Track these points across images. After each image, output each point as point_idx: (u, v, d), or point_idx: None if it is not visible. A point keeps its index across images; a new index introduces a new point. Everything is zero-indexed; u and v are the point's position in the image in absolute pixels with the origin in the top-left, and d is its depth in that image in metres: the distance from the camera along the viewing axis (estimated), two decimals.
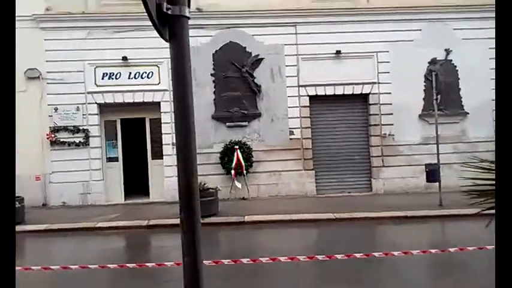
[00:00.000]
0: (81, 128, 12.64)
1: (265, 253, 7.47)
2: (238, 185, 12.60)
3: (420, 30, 13.63)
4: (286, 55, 13.46)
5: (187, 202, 1.89)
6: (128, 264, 6.04)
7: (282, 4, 13.34)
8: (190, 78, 1.83)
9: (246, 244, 8.68)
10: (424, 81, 13.50)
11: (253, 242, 8.91)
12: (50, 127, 12.51)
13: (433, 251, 6.16)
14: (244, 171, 12.59)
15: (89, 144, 12.68)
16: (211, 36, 13.30)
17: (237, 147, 12.59)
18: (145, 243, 9.16)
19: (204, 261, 5.48)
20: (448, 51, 13.61)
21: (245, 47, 13.33)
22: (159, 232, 9.64)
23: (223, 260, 5.69)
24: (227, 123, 13.19)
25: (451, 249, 6.19)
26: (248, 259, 5.66)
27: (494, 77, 1.27)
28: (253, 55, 13.32)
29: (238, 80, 13.25)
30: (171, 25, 1.90)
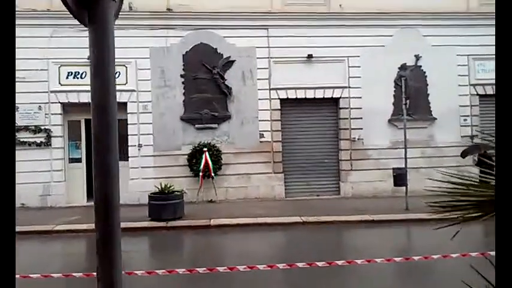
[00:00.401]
0: (43, 127, 12.22)
1: (225, 260, 7.30)
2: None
3: (391, 36, 13.73)
4: (257, 58, 13.35)
5: (104, 230, 1.50)
6: (74, 274, 5.69)
7: (254, 7, 13.24)
8: (113, 71, 1.55)
9: (208, 250, 8.46)
10: (394, 87, 13.58)
11: (217, 248, 8.70)
12: None
13: (397, 259, 5.91)
14: (213, 174, 12.38)
15: (50, 145, 12.25)
16: (181, 36, 13.08)
17: (206, 149, 12.37)
18: None
19: (158, 271, 5.27)
20: (417, 57, 13.74)
21: (216, 49, 13.16)
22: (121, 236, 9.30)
23: (177, 270, 5.36)
24: (196, 125, 12.96)
25: (415, 258, 5.99)
26: (204, 268, 5.35)
27: (495, 78, 1.21)
28: (224, 57, 13.15)
29: (209, 82, 13.06)
30: (90, 6, 1.59)
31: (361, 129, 13.49)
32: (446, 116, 13.57)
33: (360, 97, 13.54)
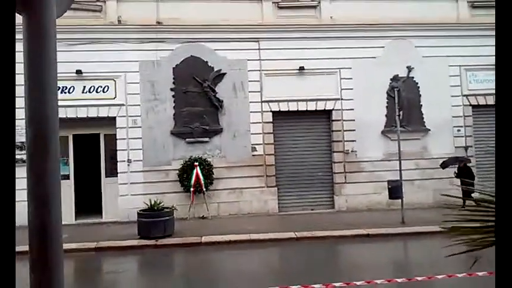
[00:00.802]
0: None
1: (217, 282, 7.01)
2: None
3: (383, 47, 13.67)
4: (249, 70, 13.19)
5: (43, 263, 1.24)
6: None
7: (245, 19, 13.13)
8: (55, 72, 1.29)
9: (198, 270, 8.14)
10: (387, 98, 13.47)
11: (208, 267, 8.38)
12: None
13: (399, 280, 5.58)
14: (204, 189, 12.10)
15: None
16: (171, 50, 12.90)
17: (197, 163, 12.10)
18: (90, 268, 8.46)
19: None
20: (410, 69, 13.67)
21: (207, 62, 12.99)
22: (108, 255, 9.01)
23: None
24: (187, 139, 12.72)
25: (419, 278, 5.70)
26: None
27: (495, 78, 1.14)
28: (215, 70, 12.98)
29: (200, 95, 12.86)
30: None
31: (354, 141, 13.32)
32: (439, 127, 13.46)
33: (353, 109, 13.40)
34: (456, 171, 12.45)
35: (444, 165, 12.56)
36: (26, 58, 1.25)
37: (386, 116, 13.41)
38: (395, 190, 11.08)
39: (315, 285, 4.67)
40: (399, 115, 11.51)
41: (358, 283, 5.15)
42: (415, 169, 13.12)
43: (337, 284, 4.86)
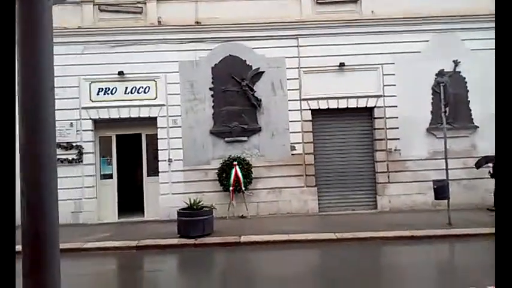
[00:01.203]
0: (74, 144, 12.31)
1: (256, 284, 6.93)
2: (234, 202, 12.08)
3: (427, 41, 13.11)
4: (287, 68, 13.02)
5: (39, 267, 1.14)
6: None
7: (284, 16, 12.98)
8: (51, 65, 1.17)
9: (237, 270, 8.10)
10: (432, 94, 12.91)
11: (247, 268, 8.32)
12: None
13: None
14: (243, 188, 12.06)
15: (82, 161, 12.31)
16: (210, 50, 12.94)
17: (236, 163, 12.09)
18: (131, 266, 8.58)
19: None
20: (456, 63, 13.03)
21: (245, 60, 12.94)
22: (148, 254, 9.12)
23: None
24: (226, 139, 12.73)
25: None
26: None
27: (495, 78, 1.09)
28: (253, 68, 12.91)
29: (238, 94, 12.83)
30: None
31: (398, 139, 12.86)
32: (489, 123, 12.74)
33: (396, 106, 12.94)
34: (491, 171, 11.75)
35: (478, 165, 11.89)
36: (19, 46, 1.14)
37: (431, 112, 12.86)
38: (441, 190, 10.58)
39: None
40: (445, 111, 10.99)
41: None
42: (463, 168, 12.50)
43: None
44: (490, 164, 11.76)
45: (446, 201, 10.51)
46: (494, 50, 1.29)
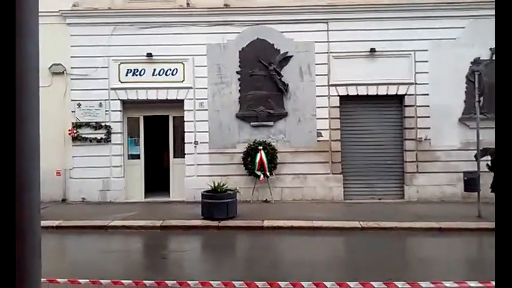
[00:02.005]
0: (103, 124, 12.51)
1: (281, 270, 6.88)
2: (261, 175, 11.96)
3: (463, 27, 12.62)
4: (316, 53, 12.80)
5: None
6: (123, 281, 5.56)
7: (314, 0, 12.70)
8: (36, 46, 1.03)
9: (257, 253, 8.09)
10: (466, 83, 12.47)
11: (267, 250, 8.30)
12: (73, 123, 12.44)
13: (472, 284, 4.73)
14: (268, 173, 12.02)
15: (110, 141, 12.51)
16: (238, 33, 12.83)
17: (261, 147, 12.04)
18: (155, 245, 8.70)
19: (213, 282, 4.70)
20: (493, 51, 12.49)
21: (273, 44, 12.78)
22: (172, 234, 9.23)
23: (211, 282, 4.70)
24: (252, 123, 12.67)
25: (470, 283, 4.88)
26: (264, 282, 4.62)
27: (495, 78, 1.02)
28: (281, 52, 12.74)
29: (265, 79, 12.72)
30: None
31: (429, 128, 12.51)
32: None
33: (427, 94, 12.57)
34: (489, 164, 11.29)
35: (476, 158, 11.41)
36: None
37: (465, 102, 12.44)
38: (471, 182, 10.26)
39: (373, 283, 4.28)
40: (479, 101, 10.57)
41: (423, 284, 4.56)
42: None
43: (399, 284, 4.40)
44: (489, 157, 11.35)
45: (476, 193, 10.19)
46: (495, 50, 1.24)
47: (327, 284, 4.21)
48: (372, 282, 4.27)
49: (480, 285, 4.55)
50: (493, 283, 4.79)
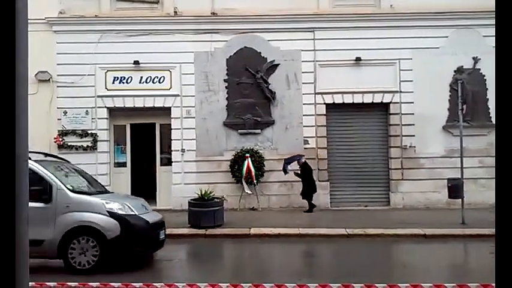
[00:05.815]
0: (89, 132, 12.44)
1: (259, 273, 6.91)
2: (247, 189, 12.03)
3: (447, 37, 12.88)
4: (303, 61, 12.94)
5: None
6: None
7: (301, 9, 12.86)
8: (26, 48, 1.05)
9: (244, 261, 8.10)
10: (450, 91, 12.71)
11: (253, 258, 8.32)
12: (59, 130, 12.36)
13: (448, 286, 4.90)
14: (255, 181, 12.06)
15: (96, 149, 12.45)
16: (225, 41, 12.92)
17: (248, 155, 12.08)
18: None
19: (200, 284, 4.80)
20: (476, 60, 12.78)
21: (260, 52, 12.89)
22: None
23: (199, 284, 4.77)
24: (239, 130, 12.72)
25: (471, 285, 5.03)
26: (228, 285, 4.73)
27: (495, 78, 1.09)
28: (268, 61, 12.85)
29: (252, 86, 12.80)
30: None
31: (413, 136, 12.70)
32: None
33: (412, 102, 12.77)
34: (299, 172, 11.82)
35: (283, 168, 11.91)
36: None
37: (448, 110, 12.67)
38: (455, 189, 10.41)
39: (355, 285, 4.34)
40: (462, 109, 10.76)
41: (402, 286, 4.67)
42: (480, 167, 12.29)
43: (379, 286, 4.48)
44: (294, 166, 11.81)
45: (460, 200, 10.34)
46: (495, 50, 1.31)
47: (310, 285, 4.27)
48: (353, 284, 4.34)
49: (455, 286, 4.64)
50: (493, 285, 4.90)
